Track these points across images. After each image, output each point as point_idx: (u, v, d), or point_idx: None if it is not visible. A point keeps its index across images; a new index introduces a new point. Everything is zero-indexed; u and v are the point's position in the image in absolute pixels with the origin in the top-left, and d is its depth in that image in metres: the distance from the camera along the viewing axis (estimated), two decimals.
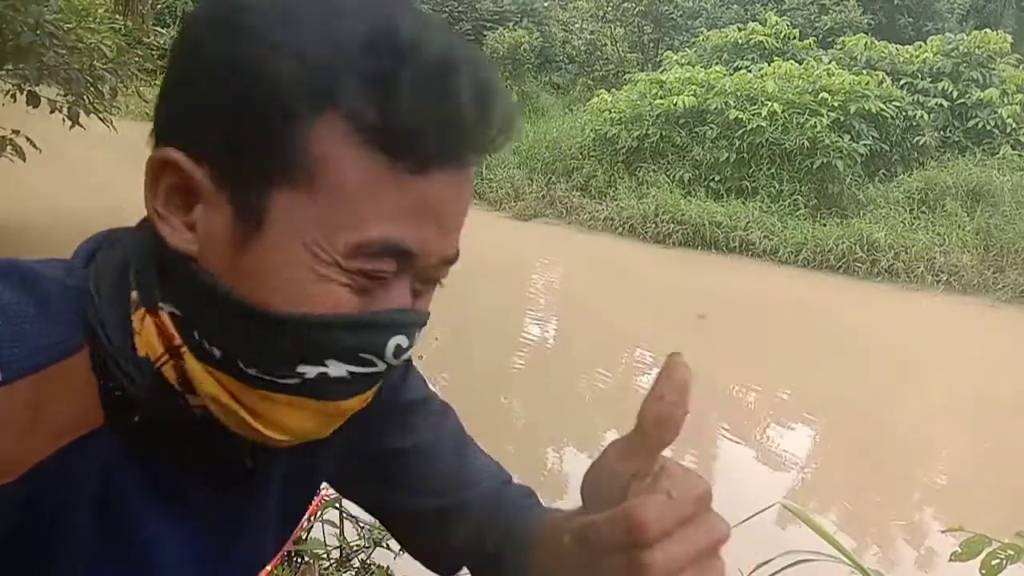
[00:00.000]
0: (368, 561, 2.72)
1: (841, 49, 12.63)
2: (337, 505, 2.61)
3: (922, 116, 11.04)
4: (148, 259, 0.55)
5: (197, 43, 0.52)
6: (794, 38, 13.47)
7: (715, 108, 11.02)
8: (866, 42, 12.36)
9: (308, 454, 0.66)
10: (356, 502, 0.81)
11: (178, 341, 0.54)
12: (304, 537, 2.53)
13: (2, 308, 0.52)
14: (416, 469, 0.75)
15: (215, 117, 0.51)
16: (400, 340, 0.56)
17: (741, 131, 10.73)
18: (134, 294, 0.55)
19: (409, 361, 0.72)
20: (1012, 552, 1.53)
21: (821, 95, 10.72)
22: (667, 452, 0.52)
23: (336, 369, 0.53)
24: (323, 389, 0.54)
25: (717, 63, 12.64)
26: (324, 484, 0.80)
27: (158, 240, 0.53)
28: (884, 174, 10.80)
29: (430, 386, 0.80)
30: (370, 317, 0.54)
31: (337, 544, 2.68)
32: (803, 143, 10.41)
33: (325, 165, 0.50)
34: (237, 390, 0.54)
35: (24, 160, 6.09)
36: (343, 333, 0.53)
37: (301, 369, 0.53)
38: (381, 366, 0.56)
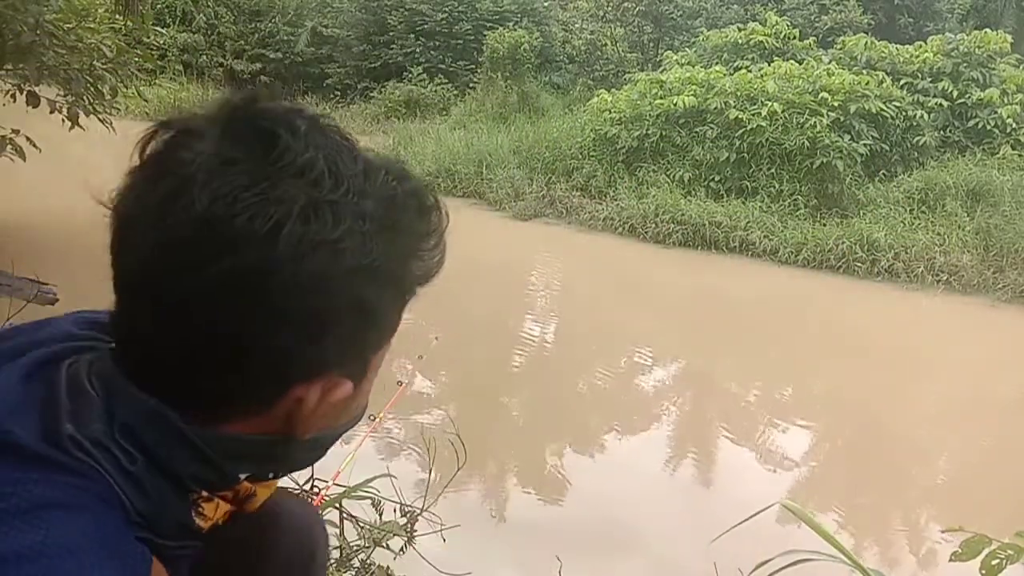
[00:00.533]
0: (368, 561, 2.71)
1: (841, 49, 12.62)
2: (337, 505, 2.61)
3: (922, 116, 11.04)
4: (211, 457, 0.62)
5: (322, 289, 0.58)
6: (794, 38, 13.46)
7: (715, 108, 11.02)
8: (866, 42, 12.35)
9: None
10: None
11: (253, 489, 0.70)
12: None
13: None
14: None
15: (352, 341, 0.63)
16: None
17: (741, 131, 10.72)
18: (202, 492, 0.66)
19: None
20: (1012, 552, 1.53)
21: (821, 95, 10.72)
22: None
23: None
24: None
25: (717, 63, 12.63)
26: (323, 484, 0.92)
27: (260, 434, 0.63)
28: (884, 174, 10.79)
29: None
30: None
31: (337, 544, 2.67)
32: (803, 143, 10.40)
33: (397, 326, 0.67)
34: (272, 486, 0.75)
35: (24, 160, 6.08)
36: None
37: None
38: None
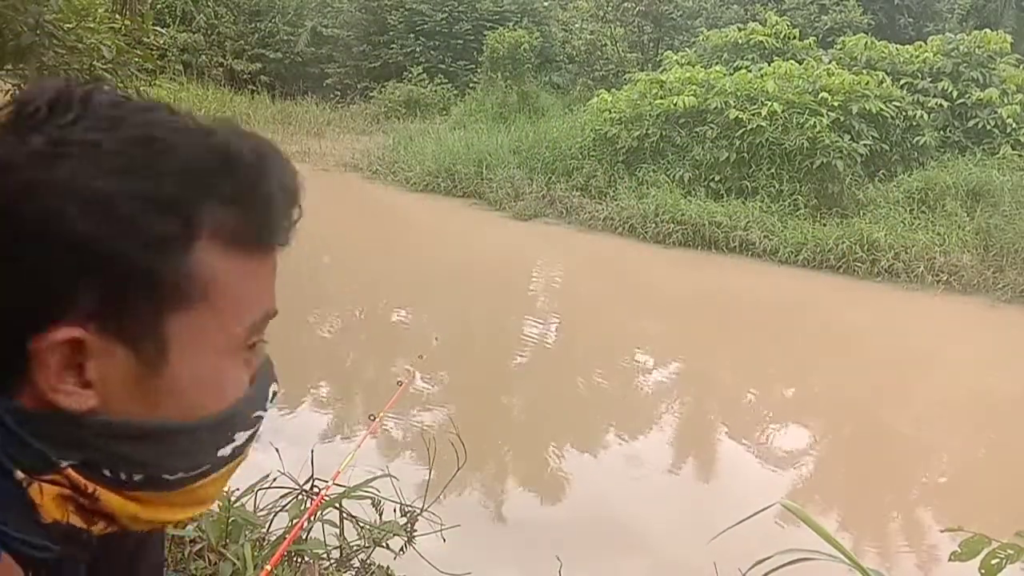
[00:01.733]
0: (368, 561, 2.71)
1: (841, 49, 12.62)
2: (337, 505, 2.61)
3: (922, 116, 11.04)
4: (19, 434, 0.55)
5: (40, 217, 0.52)
6: (794, 38, 13.46)
7: (715, 108, 11.02)
8: (866, 42, 12.35)
9: None
10: None
11: (91, 488, 0.57)
12: (304, 537, 2.53)
13: None
14: None
15: (86, 281, 0.53)
16: (274, 387, 0.66)
17: (741, 131, 10.72)
18: (19, 473, 0.55)
19: None
20: (1012, 552, 1.53)
21: (821, 95, 10.72)
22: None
23: (241, 437, 0.62)
24: (235, 456, 0.62)
25: (717, 63, 12.63)
26: (323, 484, 0.84)
27: (41, 408, 0.55)
28: (884, 174, 10.80)
29: None
30: (259, 382, 0.63)
31: (337, 544, 2.68)
32: (803, 143, 10.40)
33: (214, 280, 0.56)
34: (158, 499, 0.59)
35: None
36: (246, 407, 0.61)
37: (220, 453, 0.60)
38: (265, 415, 0.64)
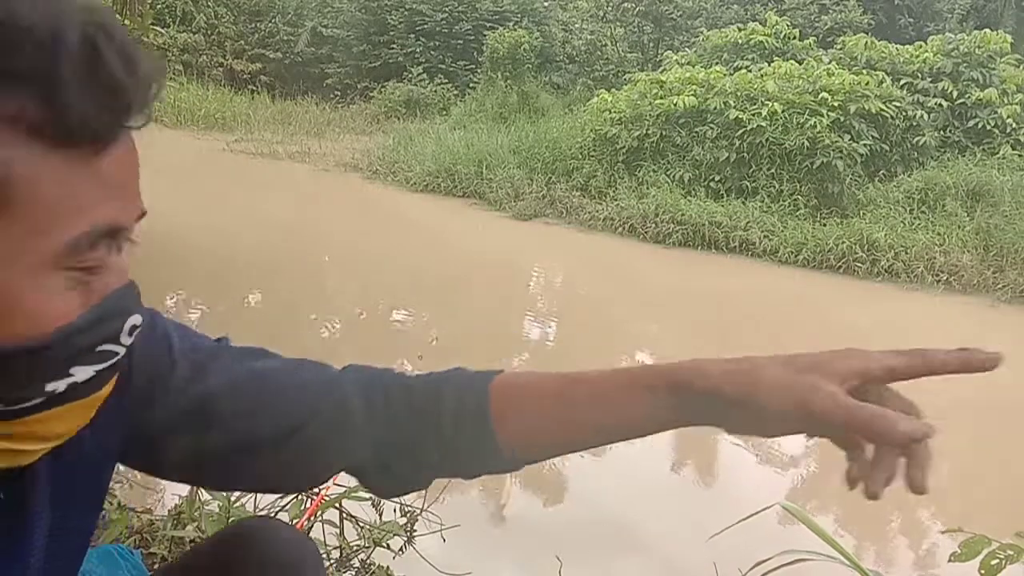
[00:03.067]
0: (368, 561, 2.72)
1: (841, 49, 12.62)
2: (337, 505, 2.62)
3: (922, 116, 11.04)
4: None
5: None
6: (794, 38, 13.46)
7: (715, 108, 11.03)
8: (866, 42, 12.35)
9: (74, 469, 0.66)
10: (173, 473, 0.80)
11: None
12: None
13: None
14: (229, 405, 0.73)
15: None
16: (134, 320, 0.57)
17: (741, 131, 10.73)
18: None
19: (171, 324, 0.75)
20: (1012, 552, 1.53)
21: (821, 95, 10.72)
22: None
23: (83, 373, 0.54)
24: (76, 393, 0.54)
25: (717, 63, 12.64)
26: (325, 484, 0.80)
27: None
28: (884, 174, 10.80)
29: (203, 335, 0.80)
30: (101, 311, 0.54)
31: (337, 544, 2.68)
32: (803, 143, 10.41)
33: (12, 182, 0.48)
34: None
35: None
36: (80, 339, 0.53)
37: (50, 387, 0.53)
38: (121, 350, 0.56)
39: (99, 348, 0.54)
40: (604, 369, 0.69)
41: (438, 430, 0.73)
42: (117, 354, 0.56)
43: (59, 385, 0.53)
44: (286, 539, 0.91)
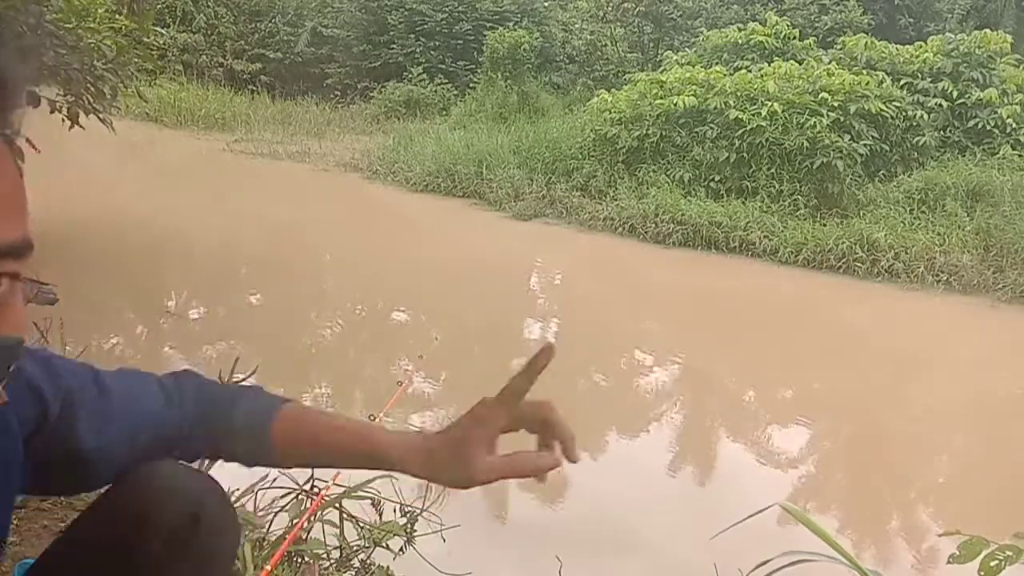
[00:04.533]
0: (368, 561, 2.71)
1: (841, 49, 12.62)
2: (337, 505, 2.61)
3: (922, 116, 11.04)
4: None
5: None
6: (794, 38, 13.46)
7: (715, 108, 11.02)
8: (866, 42, 12.35)
9: None
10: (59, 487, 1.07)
11: None
12: (304, 537, 2.53)
13: None
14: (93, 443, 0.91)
15: None
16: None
17: (741, 131, 10.73)
18: None
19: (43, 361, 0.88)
20: (1011, 553, 1.53)
21: (821, 95, 10.72)
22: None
23: None
24: None
25: (717, 63, 12.63)
26: (324, 484, 0.87)
27: None
28: (884, 174, 10.80)
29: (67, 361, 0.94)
30: None
31: (337, 544, 2.68)
32: (803, 143, 10.41)
33: None
34: None
35: (23, 161, 6.08)
36: None
37: None
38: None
39: None
40: (354, 427, 0.98)
41: (228, 422, 0.98)
42: None
43: None
44: (185, 473, 0.98)
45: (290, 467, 1.07)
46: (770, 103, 10.62)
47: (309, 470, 2.76)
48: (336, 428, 0.99)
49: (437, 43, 18.38)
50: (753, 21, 13.95)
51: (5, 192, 0.51)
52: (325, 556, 2.65)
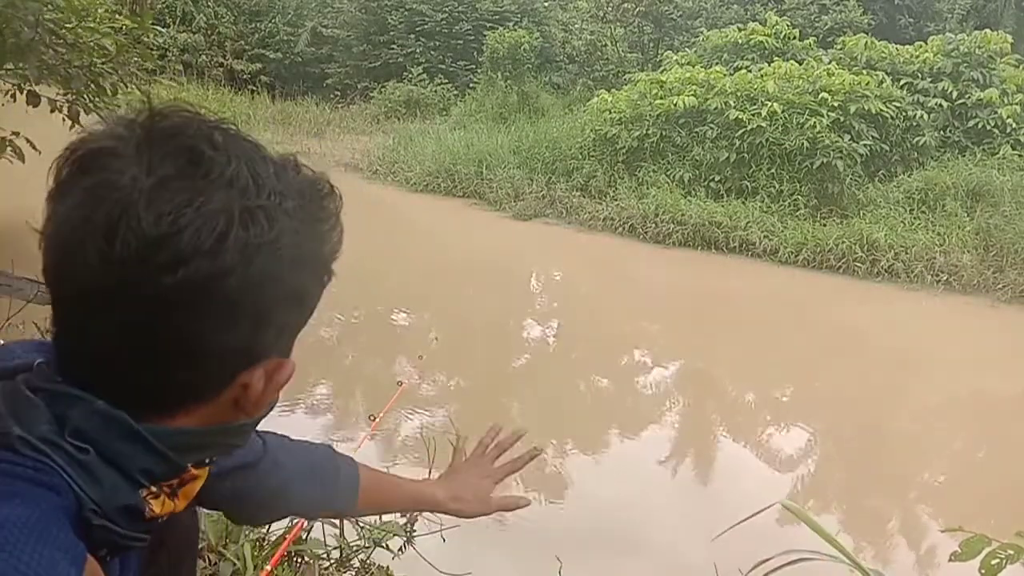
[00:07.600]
0: (368, 561, 2.72)
1: (841, 49, 12.62)
2: None
3: (922, 116, 11.04)
4: (160, 450, 0.65)
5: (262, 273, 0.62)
6: (794, 38, 13.46)
7: (715, 108, 11.02)
8: (866, 42, 12.35)
9: None
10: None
11: (195, 476, 0.71)
12: (304, 537, 2.53)
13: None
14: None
15: (288, 326, 0.68)
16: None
17: (741, 131, 10.73)
18: (145, 485, 0.65)
19: None
20: (1012, 552, 1.53)
21: (821, 95, 10.72)
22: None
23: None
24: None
25: (717, 63, 12.63)
26: None
27: (203, 425, 0.67)
28: (884, 174, 10.80)
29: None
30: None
31: (337, 544, 2.68)
32: (803, 143, 10.40)
33: (318, 302, 0.71)
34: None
35: (23, 162, 6.08)
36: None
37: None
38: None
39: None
40: (411, 488, 1.21)
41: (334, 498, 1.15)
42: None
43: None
44: None
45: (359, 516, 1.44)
46: (770, 103, 10.62)
47: None
48: (396, 485, 1.21)
49: (437, 43, 18.37)
50: (753, 21, 13.94)
51: None
52: (325, 556, 2.65)
